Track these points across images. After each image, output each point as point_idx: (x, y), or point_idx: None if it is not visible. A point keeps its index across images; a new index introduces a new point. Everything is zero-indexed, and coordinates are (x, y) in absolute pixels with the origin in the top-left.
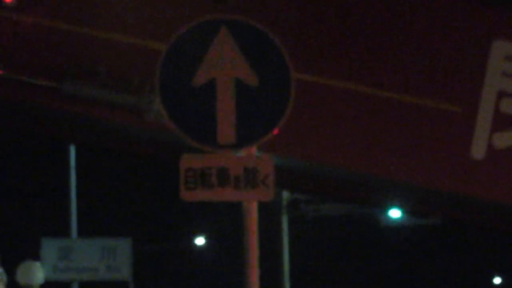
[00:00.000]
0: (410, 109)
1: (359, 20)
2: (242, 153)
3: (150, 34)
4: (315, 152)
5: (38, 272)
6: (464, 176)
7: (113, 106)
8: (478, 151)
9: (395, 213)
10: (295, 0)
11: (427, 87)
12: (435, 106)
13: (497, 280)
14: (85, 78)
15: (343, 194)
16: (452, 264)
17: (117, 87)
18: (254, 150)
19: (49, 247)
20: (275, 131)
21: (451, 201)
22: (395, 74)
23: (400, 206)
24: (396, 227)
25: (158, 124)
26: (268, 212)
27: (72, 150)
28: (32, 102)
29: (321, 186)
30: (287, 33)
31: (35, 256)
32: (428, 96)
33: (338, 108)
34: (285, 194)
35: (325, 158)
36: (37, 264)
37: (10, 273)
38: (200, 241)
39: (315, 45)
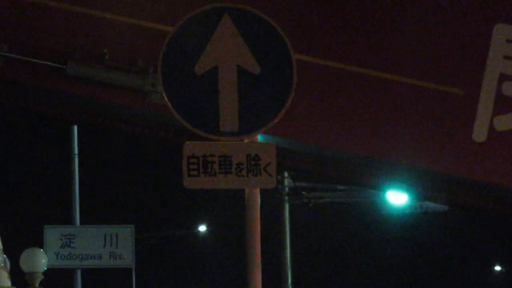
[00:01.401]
0: (412, 91)
1: (360, 1)
2: (244, 140)
3: (154, 16)
4: (318, 134)
5: (41, 259)
6: (465, 158)
7: (118, 88)
8: (480, 133)
9: (396, 200)
10: None
11: (429, 69)
12: (437, 88)
13: (497, 268)
14: (89, 59)
15: (346, 176)
16: (453, 252)
17: (121, 68)
18: (256, 137)
19: (52, 235)
20: (277, 119)
21: (452, 184)
22: (396, 57)
23: (402, 189)
24: (397, 215)
25: (162, 105)
26: (270, 200)
27: (75, 138)
28: (37, 83)
29: (323, 168)
30: (287, 14)
31: (39, 243)
32: (430, 79)
33: (339, 90)
34: (287, 182)
35: (328, 140)
36: (40, 251)
37: (14, 260)
38: (202, 228)
39: (319, 27)
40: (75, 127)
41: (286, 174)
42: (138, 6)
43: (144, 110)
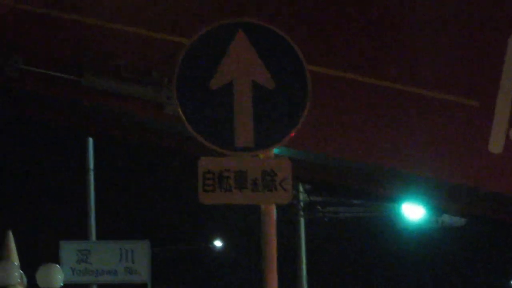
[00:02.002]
0: (428, 103)
1: (376, 12)
2: (260, 155)
3: (168, 28)
4: (333, 145)
5: (57, 275)
6: (482, 170)
7: (133, 99)
8: (496, 145)
9: (413, 215)
10: None
11: (445, 81)
12: (453, 100)
13: None
14: (104, 71)
15: (361, 188)
16: (472, 267)
17: (136, 80)
18: (271, 152)
19: (68, 250)
20: (292, 134)
21: (469, 195)
22: (413, 68)
23: (418, 201)
24: (413, 230)
25: (177, 117)
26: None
27: (91, 152)
28: (52, 95)
29: (338, 179)
30: (299, 24)
31: (54, 258)
32: (446, 91)
33: (355, 102)
34: (302, 196)
35: (343, 152)
36: (56, 266)
37: (30, 276)
38: (218, 243)
39: (334, 37)
40: (91, 141)
41: (301, 188)
42: (153, 18)
43: (159, 121)
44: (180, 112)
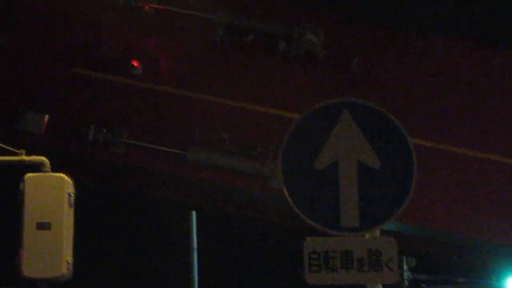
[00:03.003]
0: None
1: (478, 90)
2: (365, 235)
3: (272, 102)
4: (438, 219)
5: None
6: None
7: (237, 173)
8: None
9: None
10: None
11: None
12: None
13: None
14: (210, 145)
15: (469, 264)
16: None
17: (241, 154)
18: (377, 232)
19: None
20: (398, 214)
21: None
22: (507, 139)
23: None
24: None
25: (281, 190)
26: None
27: (194, 229)
28: (157, 169)
29: (444, 253)
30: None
31: None
32: None
33: (466, 177)
34: (406, 274)
35: (449, 225)
36: None
37: None
38: None
39: (440, 114)
40: (194, 220)
41: (405, 266)
42: (258, 94)
43: (264, 195)
44: (286, 192)
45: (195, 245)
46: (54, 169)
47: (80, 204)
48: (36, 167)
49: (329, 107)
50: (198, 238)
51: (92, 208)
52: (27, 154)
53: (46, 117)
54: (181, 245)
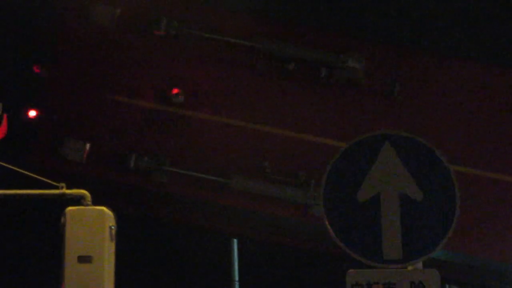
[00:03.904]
0: None
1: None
2: (408, 267)
3: (314, 129)
4: (481, 246)
5: None
6: None
7: (279, 201)
8: None
9: None
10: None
11: None
12: None
13: None
14: (252, 173)
15: None
16: None
17: (283, 181)
18: (420, 264)
19: None
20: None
21: None
22: None
23: None
24: None
25: (322, 218)
26: None
27: (236, 262)
28: (200, 198)
29: (486, 281)
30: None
31: None
32: None
33: (503, 201)
34: None
35: (491, 253)
36: None
37: None
38: None
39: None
40: (235, 248)
41: None
42: (297, 120)
43: (307, 223)
44: (327, 223)
45: (236, 277)
46: (95, 197)
47: (121, 233)
48: (77, 200)
49: (370, 138)
50: (239, 267)
51: (132, 236)
52: (69, 183)
53: (88, 145)
54: (221, 275)
